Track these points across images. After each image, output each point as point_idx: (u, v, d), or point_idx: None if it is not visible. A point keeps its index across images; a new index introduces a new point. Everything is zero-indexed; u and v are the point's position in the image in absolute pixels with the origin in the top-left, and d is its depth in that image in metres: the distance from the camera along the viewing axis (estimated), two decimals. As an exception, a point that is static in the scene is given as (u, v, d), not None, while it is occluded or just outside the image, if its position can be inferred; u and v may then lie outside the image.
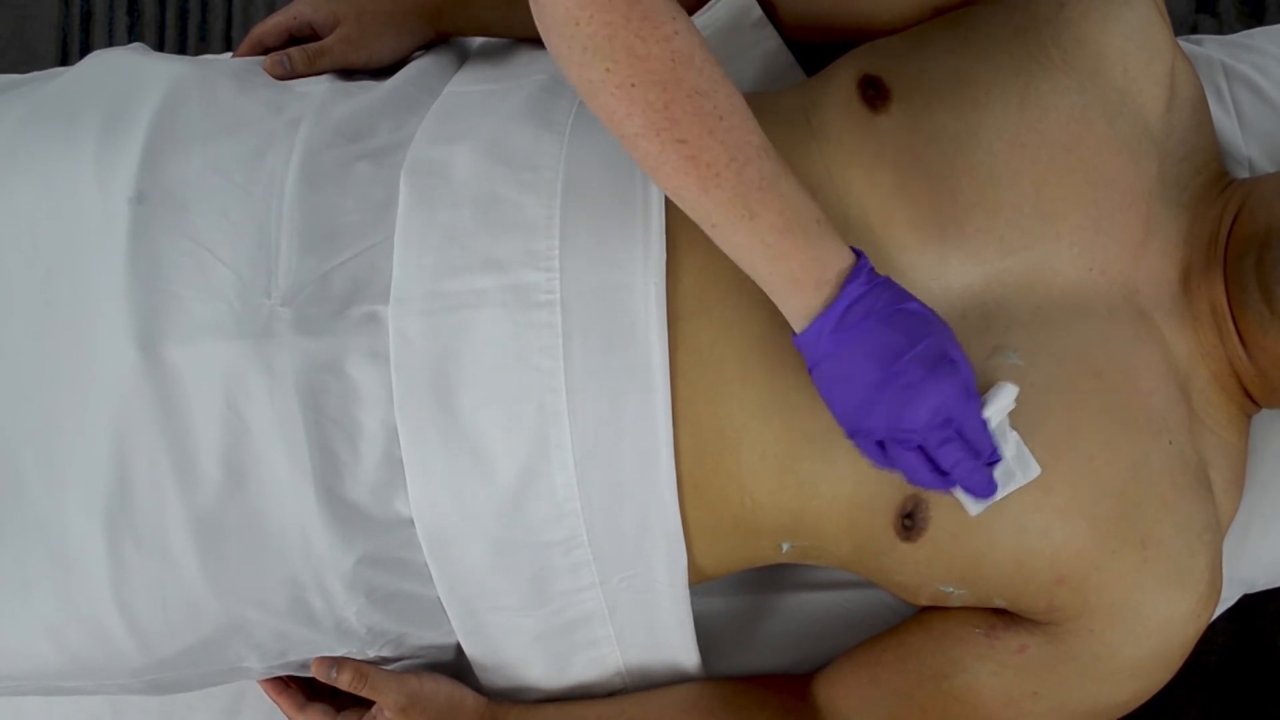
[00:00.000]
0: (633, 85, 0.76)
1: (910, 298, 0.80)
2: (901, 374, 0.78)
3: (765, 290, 0.81)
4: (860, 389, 0.79)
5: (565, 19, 0.76)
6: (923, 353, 0.78)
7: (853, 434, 0.81)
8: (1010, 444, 0.83)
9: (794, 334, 0.81)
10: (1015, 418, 0.85)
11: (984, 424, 0.81)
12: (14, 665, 0.92)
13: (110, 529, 0.87)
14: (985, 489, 0.81)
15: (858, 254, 0.81)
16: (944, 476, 0.80)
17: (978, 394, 0.81)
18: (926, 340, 0.79)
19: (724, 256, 0.86)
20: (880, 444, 0.80)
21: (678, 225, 0.89)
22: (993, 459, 0.81)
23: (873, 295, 0.79)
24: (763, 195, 0.78)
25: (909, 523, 0.88)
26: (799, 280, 0.79)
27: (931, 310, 0.81)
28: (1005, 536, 0.87)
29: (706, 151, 0.77)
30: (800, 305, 0.80)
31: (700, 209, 0.80)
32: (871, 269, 0.80)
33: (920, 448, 0.79)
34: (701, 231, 0.83)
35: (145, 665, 0.92)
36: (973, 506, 0.84)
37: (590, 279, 0.88)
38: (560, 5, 0.76)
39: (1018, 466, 0.84)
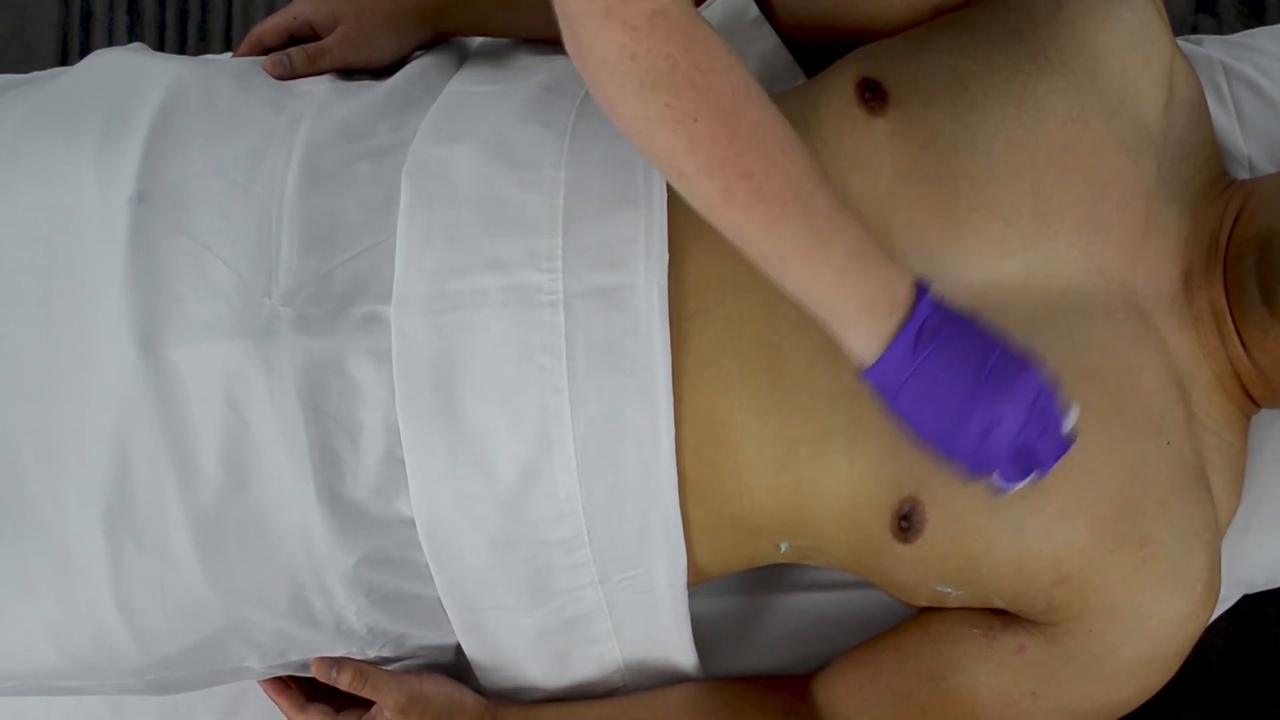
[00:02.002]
0: (695, 120, 0.73)
1: (974, 317, 0.80)
2: (995, 372, 0.77)
3: (831, 324, 0.79)
4: (956, 398, 0.77)
5: (619, 55, 0.72)
6: (1005, 350, 0.78)
7: (950, 449, 0.79)
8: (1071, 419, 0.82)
9: (864, 367, 0.79)
10: None
11: (1061, 406, 0.80)
12: (14, 665, 0.92)
13: (110, 528, 0.87)
14: (1048, 465, 0.80)
15: (915, 275, 0.79)
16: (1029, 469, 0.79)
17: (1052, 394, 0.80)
18: (1001, 340, 0.79)
19: (726, 257, 0.86)
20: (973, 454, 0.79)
21: (680, 226, 0.89)
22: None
23: (941, 310, 0.78)
24: (831, 223, 0.76)
25: (905, 524, 0.88)
26: (874, 305, 0.77)
27: (986, 323, 0.81)
28: (1004, 538, 0.87)
29: (772, 183, 0.75)
30: (873, 332, 0.78)
31: (768, 243, 0.77)
32: (932, 292, 0.79)
33: (1018, 444, 0.78)
34: (704, 232, 0.83)
35: (145, 665, 0.92)
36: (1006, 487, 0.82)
37: (592, 279, 0.88)
38: (613, 41, 0.72)
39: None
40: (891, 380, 0.78)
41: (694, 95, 0.73)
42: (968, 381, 0.77)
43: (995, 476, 0.80)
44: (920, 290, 0.78)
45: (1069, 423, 0.80)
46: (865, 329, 0.78)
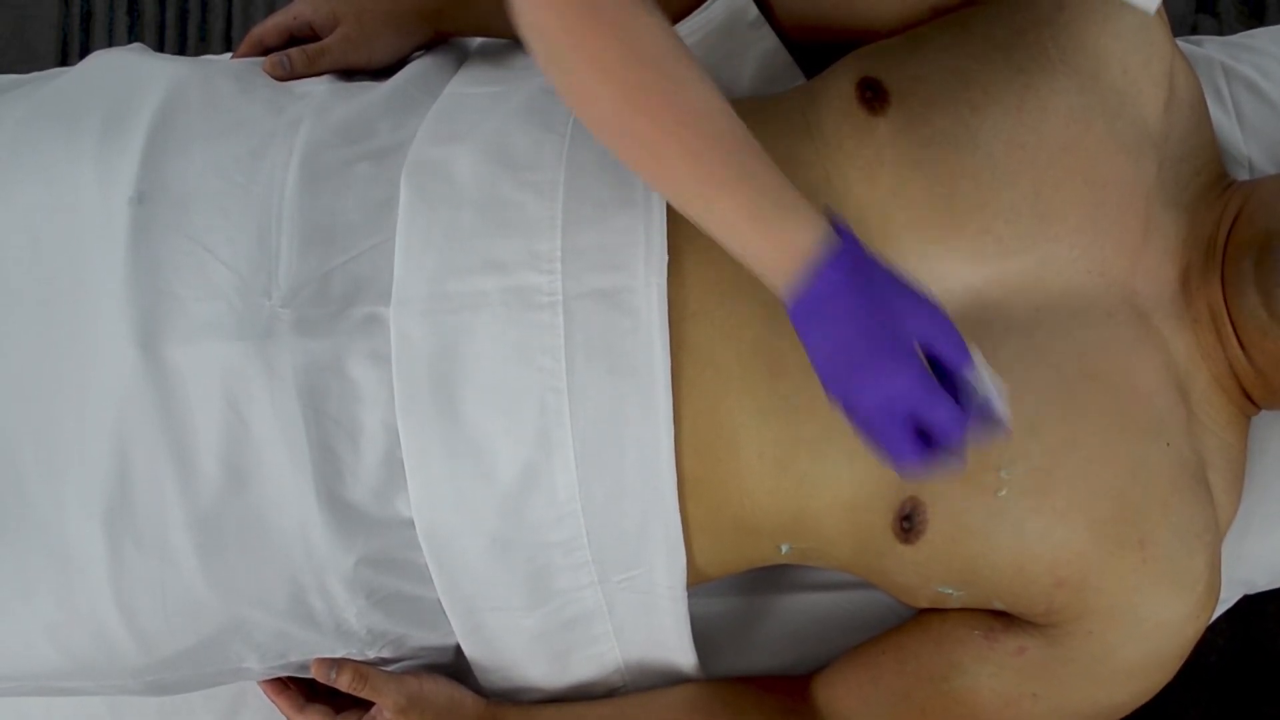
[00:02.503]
0: (595, 87, 0.76)
1: (879, 265, 0.77)
2: (882, 342, 0.75)
3: (752, 269, 0.79)
4: (845, 353, 0.76)
5: (530, 27, 0.77)
6: (896, 323, 0.76)
7: (837, 396, 0.77)
8: (998, 393, 0.77)
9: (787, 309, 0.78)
10: (1015, 419, 0.85)
11: (968, 376, 0.77)
12: (14, 665, 0.92)
13: (110, 529, 0.87)
14: (957, 430, 0.76)
15: (835, 224, 0.78)
16: (928, 446, 0.76)
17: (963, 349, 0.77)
18: (898, 309, 0.76)
19: (725, 259, 0.86)
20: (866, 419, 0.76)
21: (679, 227, 0.89)
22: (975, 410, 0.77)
23: (856, 263, 0.76)
24: (727, 177, 0.77)
25: (907, 524, 0.88)
26: (778, 249, 0.77)
27: (900, 275, 0.78)
28: (1004, 539, 0.87)
29: (668, 153, 0.77)
30: (779, 285, 0.78)
31: (672, 198, 0.80)
32: (843, 242, 0.77)
33: (908, 418, 0.75)
34: (703, 234, 0.83)
35: (145, 665, 0.92)
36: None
37: (592, 280, 0.88)
38: (527, 13, 0.76)
39: (997, 404, 0.78)
40: (799, 325, 0.77)
41: (589, 67, 0.76)
42: (857, 337, 0.75)
43: (888, 450, 0.76)
44: (835, 238, 0.77)
45: (983, 393, 0.76)
46: (772, 283, 0.78)
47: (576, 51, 0.76)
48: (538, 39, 0.77)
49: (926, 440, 0.75)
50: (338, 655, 0.96)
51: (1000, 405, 0.77)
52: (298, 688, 1.00)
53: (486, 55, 1.06)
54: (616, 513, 0.89)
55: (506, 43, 1.07)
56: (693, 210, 0.79)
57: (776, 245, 0.77)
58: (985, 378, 0.77)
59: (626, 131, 0.77)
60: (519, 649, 0.96)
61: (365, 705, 0.98)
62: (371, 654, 0.96)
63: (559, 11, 0.75)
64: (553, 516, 0.89)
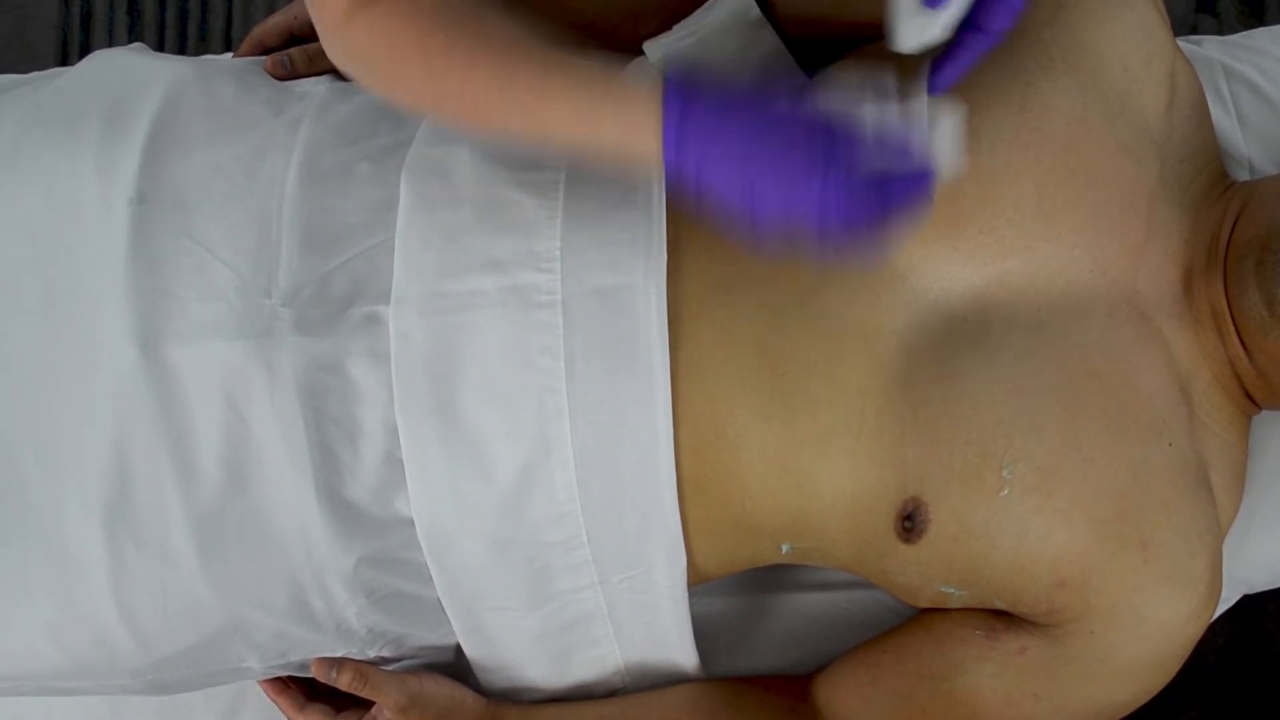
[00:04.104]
0: (399, 71, 0.79)
1: (739, 99, 0.75)
2: (767, 145, 0.73)
3: (620, 164, 0.79)
4: (740, 186, 0.74)
5: (346, 53, 0.81)
6: (776, 122, 0.74)
7: (756, 219, 0.75)
8: (920, 106, 0.73)
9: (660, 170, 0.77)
10: (1014, 419, 0.85)
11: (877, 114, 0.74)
12: (14, 665, 0.92)
13: (110, 529, 0.87)
14: (917, 182, 0.74)
15: (668, 84, 0.76)
16: (887, 197, 0.74)
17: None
18: (772, 112, 0.74)
19: (725, 258, 0.86)
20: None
21: (679, 227, 0.89)
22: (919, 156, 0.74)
23: (695, 107, 0.74)
24: (547, 91, 0.77)
25: (909, 524, 0.88)
26: (626, 141, 0.76)
27: (759, 91, 0.76)
28: (1006, 539, 0.87)
29: (477, 75, 0.78)
30: (642, 160, 0.76)
31: (509, 135, 0.81)
32: (677, 87, 0.75)
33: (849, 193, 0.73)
34: (703, 233, 0.83)
35: (145, 665, 0.92)
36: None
37: (591, 280, 0.88)
38: (339, 44, 0.80)
39: (941, 137, 0.74)
40: (683, 185, 0.76)
41: (388, 57, 0.79)
42: (754, 146, 0.73)
43: (853, 226, 0.73)
44: (666, 97, 0.75)
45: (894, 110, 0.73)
46: (634, 162, 0.77)
47: (376, 49, 0.78)
48: (355, 60, 0.80)
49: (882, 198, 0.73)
50: (338, 655, 0.96)
51: (943, 128, 0.73)
52: (298, 687, 1.00)
53: (487, 55, 1.06)
54: (616, 513, 0.89)
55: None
56: (539, 134, 0.79)
57: (627, 124, 0.76)
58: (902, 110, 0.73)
59: (445, 90, 0.78)
60: (519, 649, 0.96)
61: (365, 705, 0.98)
62: (371, 653, 0.96)
63: (359, 27, 0.78)
64: (552, 516, 0.89)
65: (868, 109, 0.73)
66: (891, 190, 0.74)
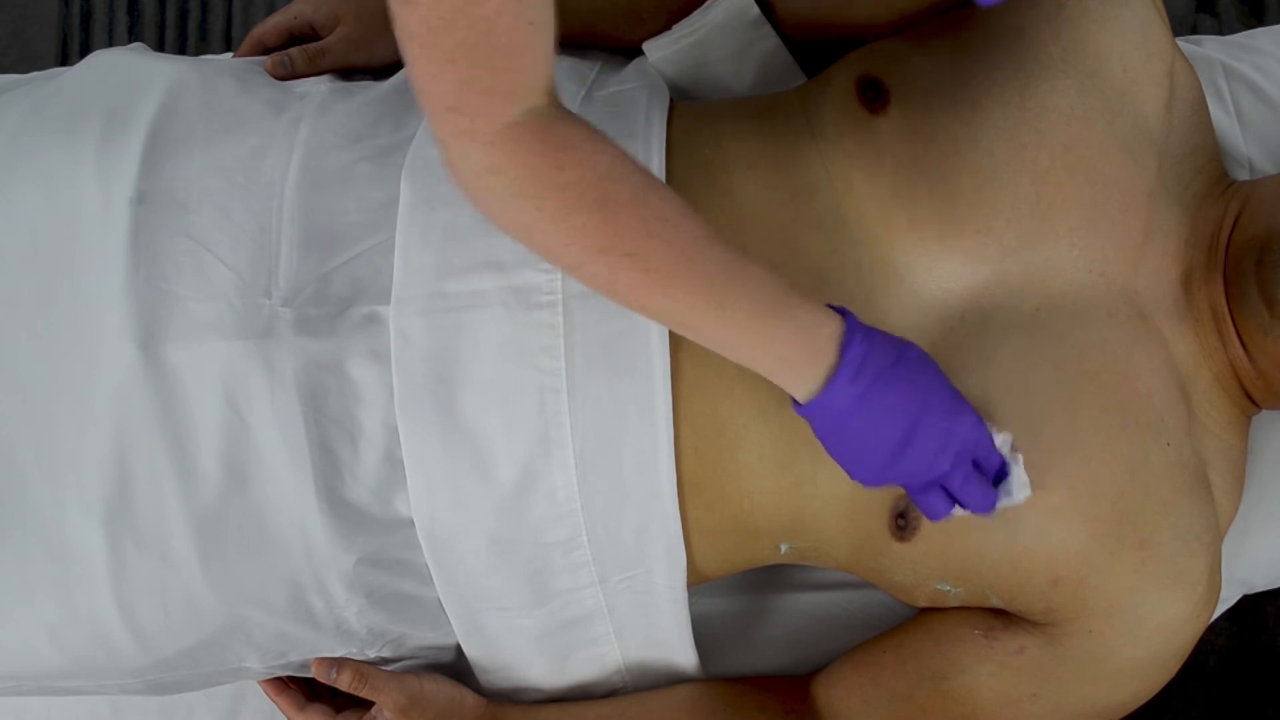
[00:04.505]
0: (567, 215, 0.74)
1: (903, 343, 0.80)
2: (925, 425, 0.78)
3: (764, 375, 0.79)
4: (885, 446, 0.78)
5: (483, 170, 0.74)
6: (938, 402, 0.79)
7: (870, 484, 0.81)
8: (1018, 466, 0.84)
9: (796, 404, 0.79)
10: (1012, 417, 0.85)
11: (995, 452, 0.82)
12: (14, 665, 0.92)
13: (110, 529, 0.87)
14: (987, 507, 0.82)
15: (841, 311, 0.79)
16: (954, 503, 0.82)
17: (983, 422, 0.82)
18: (936, 387, 0.79)
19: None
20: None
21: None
22: (1000, 477, 0.83)
23: (874, 353, 0.78)
24: (727, 284, 0.76)
25: (902, 522, 0.88)
26: (791, 359, 0.77)
27: (918, 348, 0.81)
28: (998, 535, 0.87)
29: (657, 258, 0.75)
30: (800, 382, 0.78)
31: (669, 315, 0.78)
32: (859, 324, 0.78)
33: (942, 485, 0.80)
34: None
35: (145, 665, 0.92)
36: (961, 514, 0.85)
37: (591, 280, 0.88)
38: (474, 158, 0.73)
39: (1016, 487, 0.84)
40: (820, 422, 0.79)
41: (560, 195, 0.73)
42: (900, 433, 0.78)
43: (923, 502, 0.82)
44: (847, 333, 0.78)
45: (1004, 458, 0.83)
46: (789, 382, 0.78)
47: (548, 184, 0.73)
48: (492, 179, 0.74)
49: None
50: (338, 655, 0.96)
51: (1019, 477, 0.83)
52: (298, 687, 1.00)
53: (487, 55, 1.05)
54: (616, 513, 0.89)
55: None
56: (698, 319, 0.77)
57: (796, 332, 0.77)
58: (1005, 450, 0.83)
59: (611, 248, 0.75)
60: (519, 649, 0.96)
61: (365, 705, 0.98)
62: (372, 653, 0.96)
63: (518, 147, 0.72)
64: (552, 516, 0.89)
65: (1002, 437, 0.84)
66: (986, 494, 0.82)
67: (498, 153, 0.72)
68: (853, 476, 0.81)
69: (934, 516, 0.81)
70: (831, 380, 0.77)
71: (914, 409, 0.78)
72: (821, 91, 0.95)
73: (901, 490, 0.87)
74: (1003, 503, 0.83)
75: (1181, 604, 0.88)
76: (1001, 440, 0.83)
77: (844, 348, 0.77)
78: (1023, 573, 0.87)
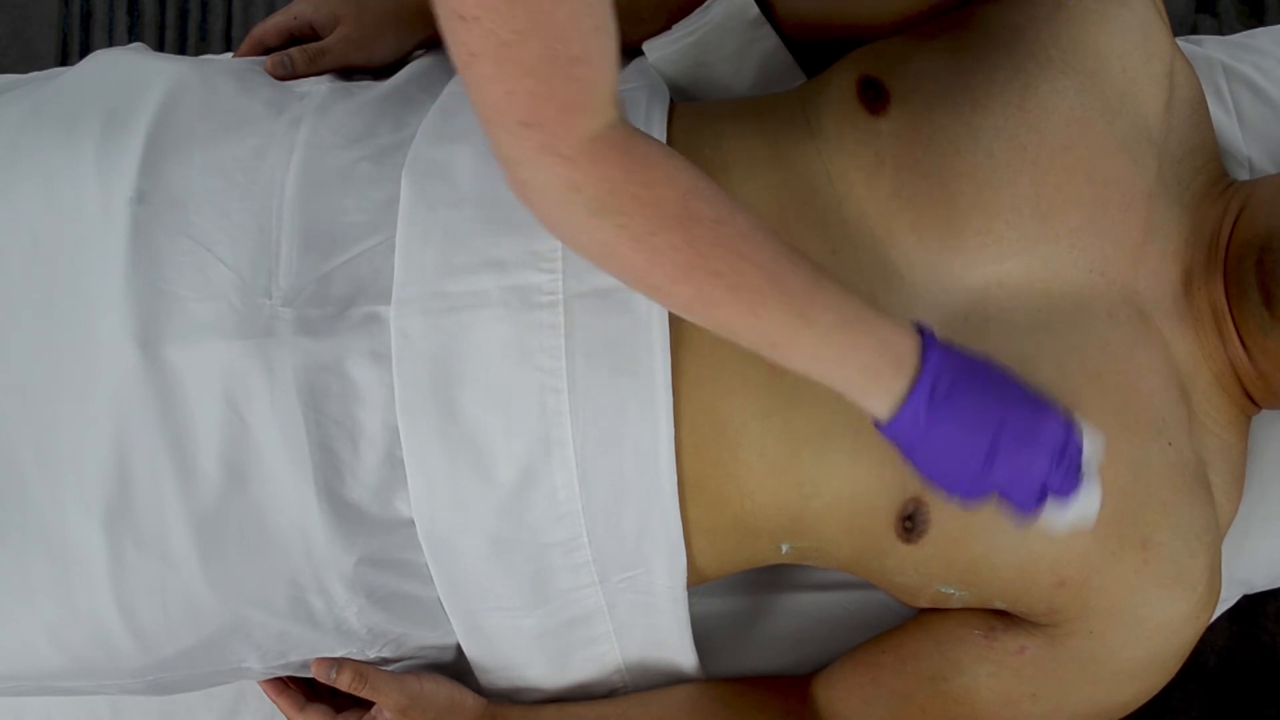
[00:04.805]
0: (652, 234, 0.73)
1: (982, 357, 0.78)
2: (1015, 427, 0.76)
3: (845, 393, 0.77)
4: (978, 453, 0.76)
5: (561, 187, 0.72)
6: (1025, 398, 0.77)
7: (969, 496, 0.78)
8: (1093, 473, 0.80)
9: (880, 424, 0.77)
10: None
11: (1080, 448, 0.78)
12: (14, 665, 0.92)
13: (110, 529, 0.87)
14: (1069, 491, 0.78)
15: (920, 327, 0.78)
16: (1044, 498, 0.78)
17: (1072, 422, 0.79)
18: (1018, 387, 0.78)
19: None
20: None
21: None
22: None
23: (954, 360, 0.77)
24: (811, 299, 0.75)
25: (909, 524, 0.88)
26: (877, 369, 0.76)
27: (997, 362, 0.79)
28: (1006, 539, 0.87)
29: (744, 276, 0.74)
30: (884, 393, 0.76)
31: (755, 333, 0.76)
32: (936, 339, 0.77)
33: (1040, 489, 0.77)
34: None
35: (145, 665, 0.92)
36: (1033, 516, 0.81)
37: (592, 280, 0.88)
38: (553, 175, 0.71)
39: (1087, 498, 0.80)
40: (908, 436, 0.77)
41: (644, 211, 0.72)
42: (990, 437, 0.76)
43: (1013, 507, 0.78)
44: (926, 343, 0.77)
45: (1091, 457, 0.78)
46: (873, 394, 0.77)
47: (632, 201, 0.72)
48: (573, 196, 0.72)
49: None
50: (338, 655, 0.96)
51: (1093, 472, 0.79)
52: (298, 687, 1.00)
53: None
54: (616, 513, 0.89)
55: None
56: (781, 338, 0.76)
57: (881, 344, 0.76)
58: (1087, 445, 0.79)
59: (696, 268, 0.73)
60: (519, 649, 0.96)
61: (366, 705, 0.98)
62: (372, 653, 0.96)
63: (600, 162, 0.71)
64: (552, 516, 0.89)
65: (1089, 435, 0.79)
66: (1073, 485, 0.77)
67: (578, 168, 0.71)
68: (950, 492, 0.78)
69: (1025, 510, 0.77)
70: (912, 391, 0.76)
71: (997, 416, 0.76)
72: (821, 92, 0.95)
73: (910, 493, 0.87)
74: (1066, 511, 0.79)
75: (1182, 604, 0.88)
76: (1089, 445, 0.79)
77: (923, 360, 0.76)
78: (1029, 576, 0.87)
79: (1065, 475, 0.76)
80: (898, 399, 0.76)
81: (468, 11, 0.66)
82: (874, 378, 0.76)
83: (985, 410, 0.76)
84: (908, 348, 0.76)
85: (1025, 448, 0.76)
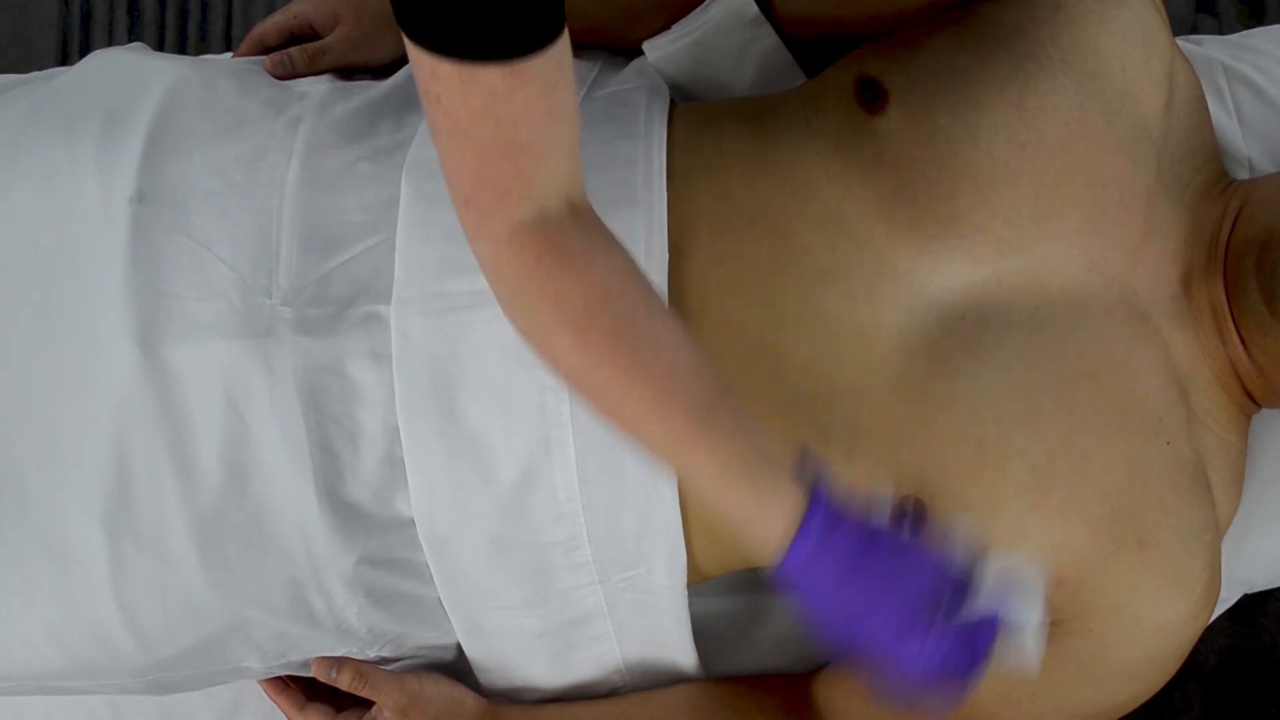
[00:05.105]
0: (550, 333, 0.74)
1: (868, 535, 0.74)
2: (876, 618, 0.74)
3: (730, 523, 0.76)
4: (854, 609, 0.75)
5: (490, 267, 0.74)
6: (899, 560, 0.75)
7: (863, 653, 0.76)
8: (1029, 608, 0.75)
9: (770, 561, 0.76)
10: (1011, 418, 0.85)
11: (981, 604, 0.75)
12: (14, 665, 0.92)
13: (110, 529, 0.87)
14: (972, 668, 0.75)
15: (809, 480, 0.75)
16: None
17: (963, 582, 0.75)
18: (895, 548, 0.75)
19: (726, 259, 0.86)
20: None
21: (680, 226, 0.89)
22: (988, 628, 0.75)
23: (827, 546, 0.74)
24: (693, 442, 0.74)
25: (908, 524, 0.88)
26: (749, 521, 0.75)
27: (885, 530, 0.76)
28: (1003, 538, 0.87)
29: (629, 393, 0.74)
30: (759, 542, 0.75)
31: (641, 443, 0.77)
32: (822, 507, 0.74)
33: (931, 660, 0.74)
34: (704, 233, 0.83)
35: (145, 665, 0.92)
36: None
37: (591, 280, 0.88)
38: (484, 253, 0.74)
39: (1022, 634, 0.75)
40: (793, 584, 0.75)
41: (548, 305, 0.73)
42: (873, 589, 0.74)
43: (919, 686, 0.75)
44: (804, 525, 0.73)
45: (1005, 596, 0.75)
46: (749, 538, 0.76)
47: (538, 294, 0.73)
48: (497, 279, 0.74)
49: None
50: (338, 654, 0.96)
51: (1025, 616, 0.75)
52: (298, 687, 1.00)
53: (487, 55, 1.05)
54: (617, 512, 0.89)
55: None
56: (666, 461, 0.77)
57: (754, 511, 0.75)
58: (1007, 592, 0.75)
59: (590, 378, 0.75)
60: (519, 648, 0.96)
61: (366, 705, 0.98)
62: (372, 653, 0.96)
63: (519, 250, 0.72)
64: (553, 516, 0.89)
65: (991, 568, 0.75)
66: (980, 642, 0.74)
67: (501, 253, 0.73)
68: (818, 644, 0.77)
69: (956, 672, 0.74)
70: (784, 557, 0.74)
71: (873, 578, 0.74)
72: (820, 92, 0.95)
73: (907, 492, 0.87)
74: (1018, 650, 0.76)
75: (1181, 604, 0.88)
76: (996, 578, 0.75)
77: (793, 537, 0.74)
78: (1025, 574, 0.87)
79: (959, 644, 0.73)
80: (771, 552, 0.74)
81: (431, 91, 0.68)
82: (745, 526, 0.75)
83: (857, 582, 0.74)
84: (783, 511, 0.74)
85: (896, 608, 0.74)
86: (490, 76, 0.66)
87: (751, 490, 0.74)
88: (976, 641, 0.74)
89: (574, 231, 0.74)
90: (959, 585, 0.75)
